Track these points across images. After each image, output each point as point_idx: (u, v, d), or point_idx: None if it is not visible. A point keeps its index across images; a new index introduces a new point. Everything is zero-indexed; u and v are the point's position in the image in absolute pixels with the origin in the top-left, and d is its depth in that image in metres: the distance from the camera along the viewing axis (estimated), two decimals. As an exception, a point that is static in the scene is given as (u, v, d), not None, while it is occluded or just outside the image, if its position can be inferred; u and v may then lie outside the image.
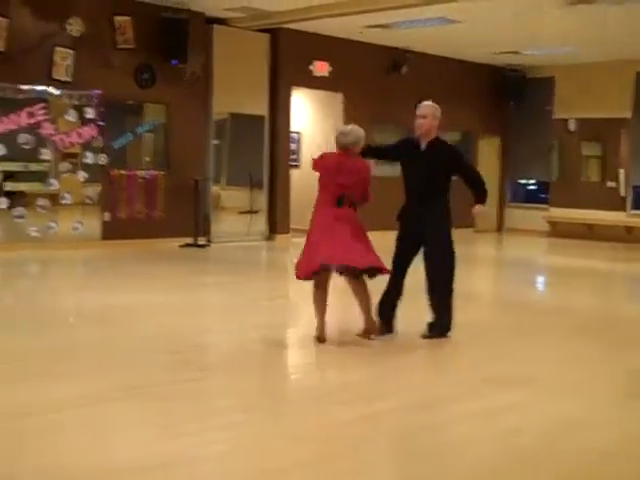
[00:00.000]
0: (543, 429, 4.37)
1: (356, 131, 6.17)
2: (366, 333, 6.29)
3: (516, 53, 15.70)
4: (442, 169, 6.36)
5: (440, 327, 6.39)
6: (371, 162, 6.59)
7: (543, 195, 17.99)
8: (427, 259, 6.38)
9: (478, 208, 6.42)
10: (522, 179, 18.72)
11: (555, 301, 9.20)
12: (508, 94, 17.42)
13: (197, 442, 3.96)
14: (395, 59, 15.40)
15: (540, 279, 11.89)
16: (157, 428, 4.15)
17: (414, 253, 6.44)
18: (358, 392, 5.05)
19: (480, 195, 6.44)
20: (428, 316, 6.41)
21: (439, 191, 6.38)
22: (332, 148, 6.34)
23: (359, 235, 6.08)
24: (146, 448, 3.84)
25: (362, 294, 6.19)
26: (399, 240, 6.45)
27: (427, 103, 6.53)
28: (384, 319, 6.46)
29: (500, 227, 18.18)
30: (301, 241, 6.51)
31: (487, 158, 17.89)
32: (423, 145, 6.39)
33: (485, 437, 4.20)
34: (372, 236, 6.20)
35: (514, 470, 3.79)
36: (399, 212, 6.49)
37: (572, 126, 17.19)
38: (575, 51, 15.02)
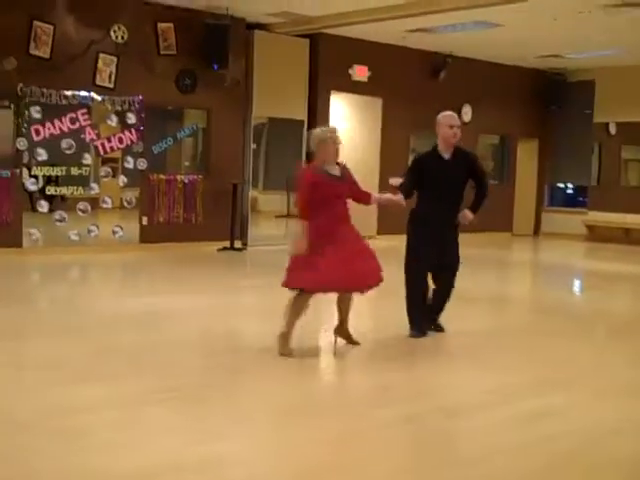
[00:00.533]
0: (583, 436, 4.37)
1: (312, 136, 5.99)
2: (350, 340, 6.32)
3: (557, 56, 15.60)
4: (467, 175, 6.60)
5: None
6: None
7: (581, 199, 17.85)
8: (449, 263, 6.58)
9: (469, 215, 6.55)
10: (561, 183, 18.59)
11: (593, 305, 9.16)
12: (549, 97, 17.31)
13: (231, 445, 4.03)
14: (435, 64, 15.41)
15: (577, 283, 11.81)
16: (192, 431, 4.24)
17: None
18: (394, 395, 5.09)
19: (479, 203, 6.63)
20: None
21: (463, 197, 6.62)
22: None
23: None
24: (180, 451, 3.93)
25: (349, 302, 6.22)
26: (426, 245, 6.51)
27: (454, 114, 6.64)
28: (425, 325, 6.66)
29: (537, 231, 18.08)
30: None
31: (526, 162, 17.82)
32: (447, 155, 6.53)
33: (524, 443, 4.20)
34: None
35: (560, 476, 3.79)
36: (422, 217, 6.54)
37: (612, 129, 17.04)
38: (616, 54, 14.89)
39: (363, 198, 6.23)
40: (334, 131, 5.96)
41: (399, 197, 6.31)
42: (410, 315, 6.60)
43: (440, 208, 6.50)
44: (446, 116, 6.57)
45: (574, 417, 4.70)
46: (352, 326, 6.34)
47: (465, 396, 5.12)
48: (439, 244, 6.49)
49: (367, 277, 5.95)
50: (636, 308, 9.17)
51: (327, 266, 5.69)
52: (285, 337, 5.96)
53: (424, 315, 6.63)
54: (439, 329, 6.74)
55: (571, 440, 4.29)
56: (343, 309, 6.23)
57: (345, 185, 5.95)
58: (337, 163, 5.98)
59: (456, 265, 6.66)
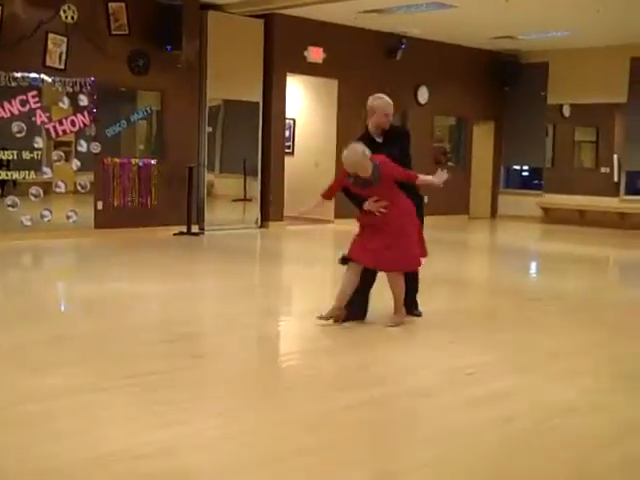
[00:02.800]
0: (543, 415, 4.39)
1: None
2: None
3: (511, 38, 15.65)
4: (400, 149, 6.43)
5: None
6: None
7: (537, 181, 18.02)
8: None
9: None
10: (516, 165, 18.74)
11: (548, 287, 9.23)
12: (503, 79, 17.39)
13: (192, 430, 3.97)
14: (390, 45, 15.36)
15: (533, 265, 11.92)
16: (151, 417, 4.17)
17: None
18: (356, 378, 5.07)
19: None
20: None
21: None
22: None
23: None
24: (139, 436, 3.85)
25: (393, 287, 6.35)
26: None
27: (390, 102, 6.47)
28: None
29: (494, 213, 18.21)
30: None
31: (482, 144, 17.90)
32: (379, 138, 6.43)
33: (482, 423, 4.22)
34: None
35: (509, 456, 3.81)
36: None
37: (566, 111, 17.20)
38: (569, 36, 14.99)
39: (410, 179, 6.26)
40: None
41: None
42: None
43: None
44: (384, 103, 6.39)
45: (529, 398, 4.72)
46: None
47: (424, 378, 5.11)
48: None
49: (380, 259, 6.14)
50: (591, 289, 9.27)
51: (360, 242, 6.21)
52: (335, 307, 6.25)
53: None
54: (418, 314, 6.70)
55: (526, 421, 4.31)
56: (392, 292, 6.36)
57: (372, 189, 6.09)
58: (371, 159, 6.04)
59: None
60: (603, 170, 16.71)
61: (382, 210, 6.12)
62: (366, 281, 6.38)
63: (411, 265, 6.39)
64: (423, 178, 6.27)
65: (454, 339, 6.18)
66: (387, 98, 6.45)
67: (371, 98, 6.47)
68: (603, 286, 9.78)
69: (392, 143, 6.39)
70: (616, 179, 16.37)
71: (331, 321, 6.24)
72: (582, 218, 16.34)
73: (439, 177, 6.27)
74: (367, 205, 6.15)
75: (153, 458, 3.59)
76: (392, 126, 6.55)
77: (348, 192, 6.28)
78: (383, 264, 6.21)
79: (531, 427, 4.21)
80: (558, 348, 6.02)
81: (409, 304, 6.61)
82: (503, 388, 4.89)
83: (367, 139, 6.35)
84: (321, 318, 6.24)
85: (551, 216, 16.99)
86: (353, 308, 6.37)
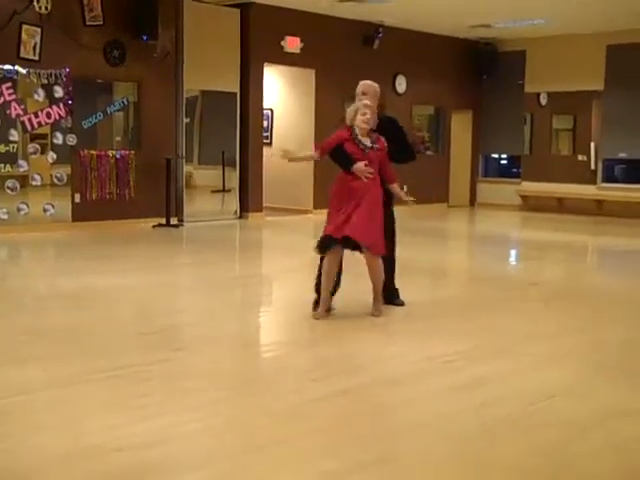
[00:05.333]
0: (523, 400, 4.41)
1: None
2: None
3: (488, 27, 15.67)
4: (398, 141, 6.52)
5: None
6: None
7: (515, 169, 18.08)
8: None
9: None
10: (494, 153, 18.79)
11: (527, 275, 9.27)
12: (481, 68, 17.43)
13: (172, 422, 3.95)
14: (367, 33, 15.33)
15: (512, 253, 11.96)
16: (131, 409, 4.14)
17: None
18: (333, 368, 5.07)
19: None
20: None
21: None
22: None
23: None
24: (120, 429, 3.82)
25: (373, 274, 6.28)
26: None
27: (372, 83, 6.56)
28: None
29: (472, 202, 18.26)
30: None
31: (460, 133, 17.93)
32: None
33: (462, 409, 4.23)
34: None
35: (491, 441, 3.82)
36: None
37: (543, 100, 17.26)
38: (546, 24, 15.03)
39: (388, 177, 6.36)
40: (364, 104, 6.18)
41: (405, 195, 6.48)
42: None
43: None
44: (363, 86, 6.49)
45: (509, 384, 4.74)
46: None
47: (403, 366, 5.11)
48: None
49: (364, 233, 6.04)
50: (570, 276, 9.32)
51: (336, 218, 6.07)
52: (320, 301, 6.20)
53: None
54: (400, 303, 6.70)
55: (506, 406, 4.32)
56: (371, 280, 6.28)
57: (368, 154, 6.11)
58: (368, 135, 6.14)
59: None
60: (580, 158, 16.80)
61: (369, 176, 6.09)
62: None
63: (383, 248, 6.23)
64: (397, 187, 6.45)
65: (433, 327, 6.19)
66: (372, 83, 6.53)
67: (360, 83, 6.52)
68: (582, 272, 9.84)
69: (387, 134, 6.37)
70: (593, 167, 16.46)
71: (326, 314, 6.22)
72: (560, 206, 16.44)
73: (407, 197, 6.44)
74: (358, 166, 6.06)
75: (134, 450, 3.57)
76: (384, 116, 6.54)
77: (339, 152, 6.15)
78: (365, 237, 6.05)
79: (512, 413, 4.22)
80: (538, 334, 6.05)
81: (389, 294, 6.61)
82: (483, 374, 4.89)
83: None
84: (318, 317, 6.17)
85: (530, 204, 17.06)
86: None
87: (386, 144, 6.19)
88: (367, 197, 6.07)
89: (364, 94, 6.40)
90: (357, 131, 6.12)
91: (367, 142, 6.13)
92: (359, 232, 6.01)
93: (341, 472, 3.43)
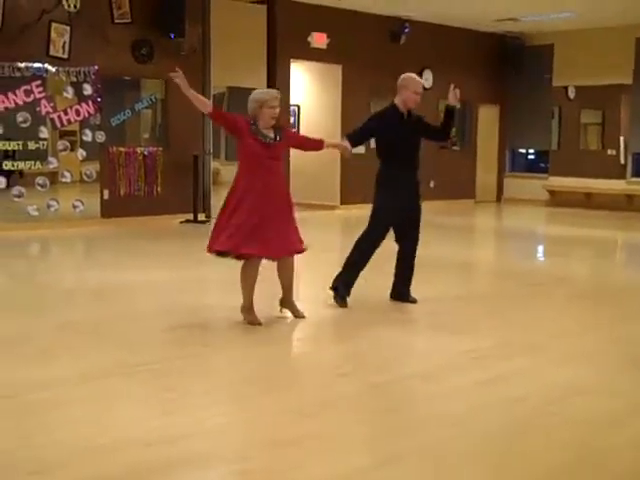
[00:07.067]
0: (547, 397, 4.40)
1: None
2: (295, 312, 6.21)
3: (515, 20, 15.59)
4: (420, 134, 6.62)
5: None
6: None
7: (542, 164, 17.96)
8: (414, 227, 6.55)
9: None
10: (522, 148, 18.67)
11: (555, 270, 9.22)
12: (508, 62, 17.32)
13: (199, 416, 3.99)
14: (394, 29, 15.31)
15: (539, 249, 11.90)
16: (160, 403, 4.19)
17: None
18: (361, 364, 5.09)
19: (448, 127, 6.71)
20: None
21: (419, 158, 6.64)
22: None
23: None
24: (148, 423, 3.87)
25: (289, 272, 6.06)
26: (395, 210, 6.46)
27: (421, 80, 6.70)
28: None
29: (499, 197, 18.16)
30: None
31: (487, 127, 17.85)
32: (406, 115, 6.55)
33: (489, 405, 4.23)
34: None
35: (512, 438, 3.82)
36: (389, 181, 6.47)
37: (571, 93, 17.12)
38: (574, 17, 14.91)
39: (315, 145, 6.34)
40: (272, 94, 6.24)
41: (346, 143, 6.47)
42: (350, 281, 6.51)
43: (405, 173, 6.48)
44: (415, 82, 6.53)
45: (535, 380, 4.74)
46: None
47: (430, 362, 5.13)
48: (405, 201, 6.46)
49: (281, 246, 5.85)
50: (597, 273, 9.26)
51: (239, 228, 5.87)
52: (246, 309, 5.96)
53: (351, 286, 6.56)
54: (413, 300, 6.68)
55: (531, 402, 4.33)
56: (284, 280, 6.08)
57: (278, 146, 5.98)
58: (273, 127, 6.05)
59: (419, 225, 6.60)
60: (609, 152, 16.65)
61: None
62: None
63: (298, 248, 6.01)
64: (328, 142, 6.52)
65: (459, 322, 6.19)
66: (419, 79, 6.65)
67: (403, 75, 6.60)
68: (610, 269, 9.76)
69: (416, 123, 6.55)
70: (622, 161, 16.32)
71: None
72: (588, 201, 16.30)
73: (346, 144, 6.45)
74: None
75: (162, 444, 3.61)
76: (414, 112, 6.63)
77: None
78: (275, 251, 5.83)
79: (535, 409, 4.22)
80: (564, 330, 6.03)
81: (402, 292, 6.62)
82: (507, 371, 4.89)
83: (396, 113, 6.51)
84: (254, 323, 5.91)
85: (557, 199, 16.94)
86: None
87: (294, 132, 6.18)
88: (276, 197, 5.94)
89: (416, 93, 6.48)
90: (260, 124, 5.95)
91: (270, 133, 5.95)
92: (276, 249, 5.81)
93: (372, 467, 3.45)
